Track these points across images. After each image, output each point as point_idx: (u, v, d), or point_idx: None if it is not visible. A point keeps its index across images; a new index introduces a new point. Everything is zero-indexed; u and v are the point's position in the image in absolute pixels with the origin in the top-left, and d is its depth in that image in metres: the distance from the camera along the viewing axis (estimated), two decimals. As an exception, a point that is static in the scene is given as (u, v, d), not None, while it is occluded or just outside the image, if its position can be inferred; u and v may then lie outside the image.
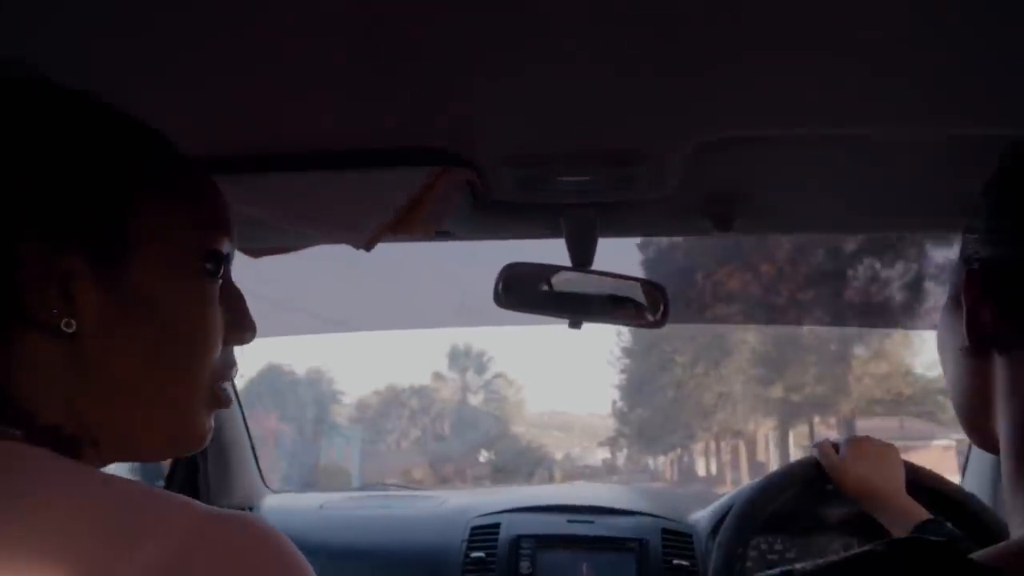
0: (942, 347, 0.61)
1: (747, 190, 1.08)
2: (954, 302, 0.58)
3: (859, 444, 1.21)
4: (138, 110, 0.59)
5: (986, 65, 0.75)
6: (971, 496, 1.23)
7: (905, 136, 0.90)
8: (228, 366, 0.62)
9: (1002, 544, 0.50)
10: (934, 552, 0.47)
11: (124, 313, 0.54)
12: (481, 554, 1.49)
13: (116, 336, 0.54)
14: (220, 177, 0.64)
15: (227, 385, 0.63)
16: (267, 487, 1.89)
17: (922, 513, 1.12)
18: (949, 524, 1.12)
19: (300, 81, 0.77)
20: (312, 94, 0.80)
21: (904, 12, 0.66)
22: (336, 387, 17.64)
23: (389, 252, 1.06)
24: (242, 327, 0.63)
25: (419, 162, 0.93)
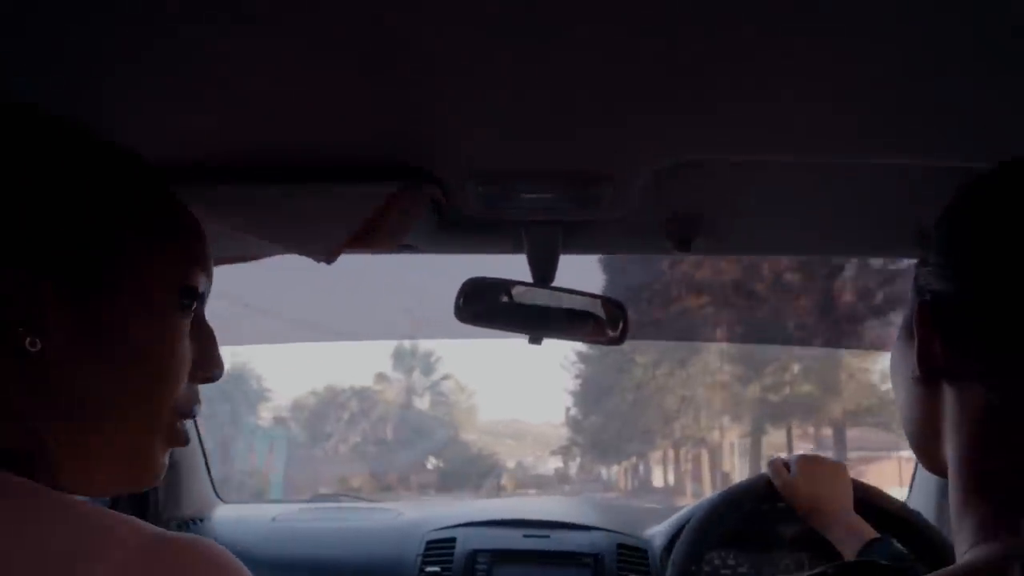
0: (894, 373, 0.63)
1: (707, 212, 1.09)
2: (907, 332, 0.59)
3: (810, 463, 1.24)
4: (101, 118, 0.58)
5: (944, 97, 0.77)
6: (916, 514, 1.26)
7: (863, 164, 0.92)
8: (191, 403, 0.61)
9: (948, 568, 0.51)
10: (879, 573, 0.48)
11: (93, 340, 0.53)
12: (436, 568, 1.48)
13: (82, 362, 0.53)
14: (181, 187, 0.63)
15: (188, 423, 0.62)
16: (219, 498, 1.85)
17: (870, 531, 1.15)
18: (896, 542, 1.15)
19: (264, 94, 0.77)
20: (276, 108, 0.79)
21: (866, 43, 0.68)
22: (264, 385, 16.33)
23: (346, 262, 1.05)
24: (210, 364, 0.63)
25: (383, 177, 0.93)
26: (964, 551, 0.52)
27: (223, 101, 0.77)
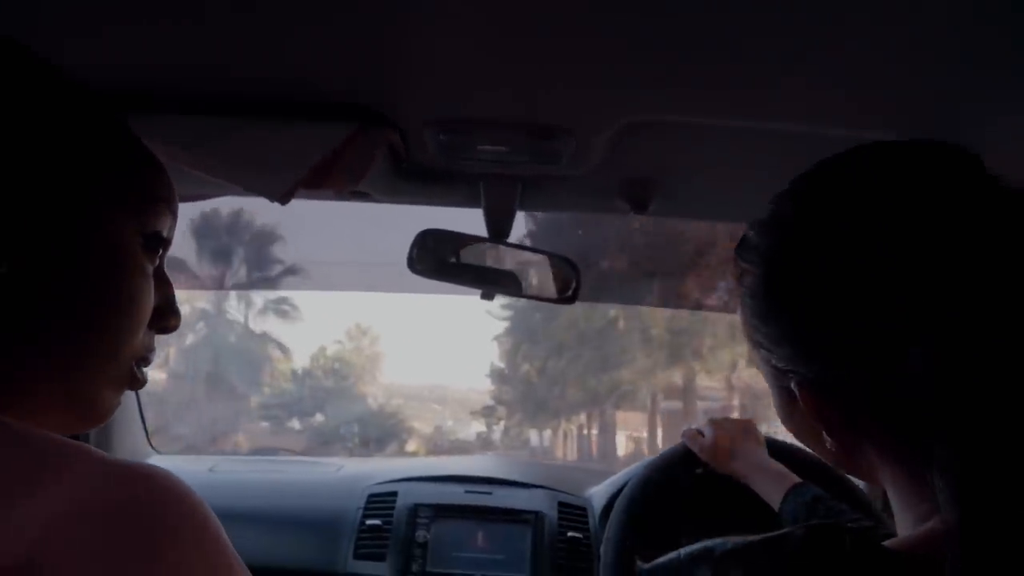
0: (802, 436, 0.61)
1: (665, 174, 1.09)
2: (784, 399, 0.58)
3: (721, 424, 1.28)
4: (57, 40, 0.55)
5: (895, 72, 0.79)
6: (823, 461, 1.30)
7: (817, 134, 0.93)
8: (149, 349, 0.61)
9: (905, 536, 0.53)
10: (848, 538, 0.49)
11: (60, 273, 0.51)
12: (377, 522, 1.48)
13: (47, 294, 0.51)
14: (134, 115, 0.61)
15: (145, 368, 0.61)
16: (153, 448, 1.81)
17: (791, 477, 1.19)
18: (812, 486, 1.19)
19: (222, 21, 0.73)
20: (234, 36, 0.76)
21: (823, 15, 0.69)
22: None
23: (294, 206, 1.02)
24: (169, 313, 0.62)
25: (340, 117, 0.90)
26: (912, 524, 0.53)
27: (181, 25, 0.73)
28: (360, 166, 0.96)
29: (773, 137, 0.93)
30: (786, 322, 0.54)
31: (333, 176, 0.92)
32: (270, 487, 1.64)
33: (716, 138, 0.96)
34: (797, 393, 0.54)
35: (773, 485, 1.19)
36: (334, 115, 0.89)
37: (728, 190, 1.15)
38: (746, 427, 1.29)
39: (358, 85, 0.87)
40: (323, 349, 21.62)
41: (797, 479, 1.19)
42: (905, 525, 0.54)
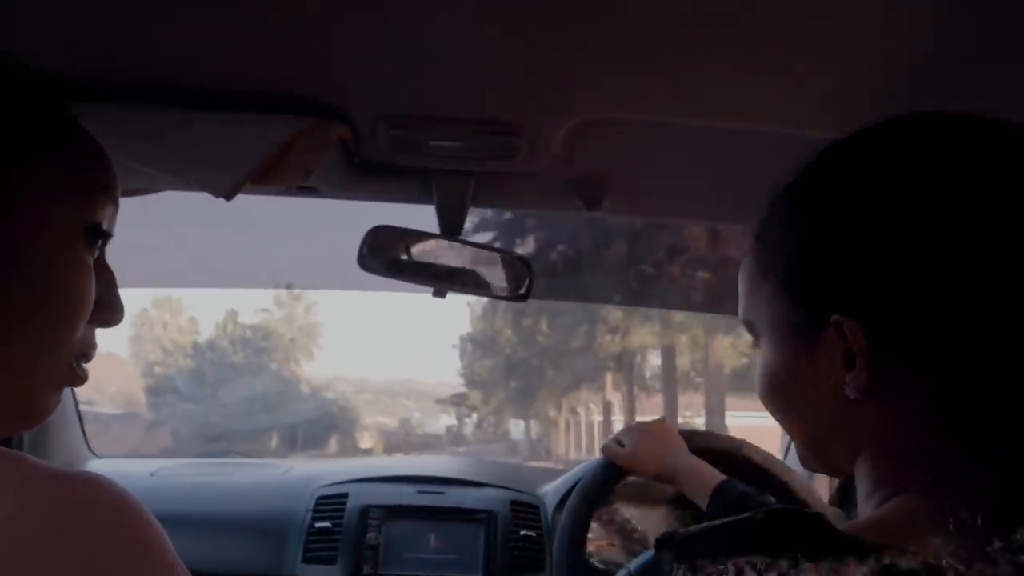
0: (785, 391, 0.59)
1: (620, 172, 1.10)
2: (793, 344, 0.56)
3: (637, 430, 1.29)
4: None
5: (847, 72, 0.80)
6: (743, 444, 1.33)
7: (771, 133, 0.94)
8: (90, 345, 0.58)
9: (862, 519, 0.53)
10: (806, 522, 0.49)
11: None
12: (327, 524, 1.45)
13: None
14: (75, 105, 0.58)
15: (85, 364, 0.59)
16: (92, 451, 1.75)
17: (714, 475, 1.20)
18: (737, 484, 1.20)
19: (168, 9, 0.71)
20: (179, 24, 0.73)
21: (775, 15, 0.69)
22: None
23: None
24: (112, 307, 0.59)
25: (290, 111, 0.88)
26: (872, 506, 0.54)
27: (118, 10, 0.71)
28: (309, 161, 0.94)
29: (727, 136, 0.94)
30: (842, 253, 0.52)
31: (281, 171, 0.90)
32: (214, 490, 1.59)
33: (670, 136, 0.97)
34: (844, 326, 0.51)
35: (697, 486, 1.20)
36: (283, 108, 0.87)
37: (682, 188, 1.16)
38: (662, 428, 1.29)
39: (308, 78, 0.85)
40: (232, 314, 18.73)
41: (720, 477, 1.20)
42: (870, 506, 0.55)
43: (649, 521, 1.49)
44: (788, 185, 0.58)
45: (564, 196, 1.16)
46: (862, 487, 0.56)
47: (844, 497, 1.62)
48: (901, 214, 0.50)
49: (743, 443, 1.33)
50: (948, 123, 0.53)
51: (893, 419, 0.52)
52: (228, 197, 0.87)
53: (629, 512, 1.49)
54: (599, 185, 1.13)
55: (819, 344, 0.54)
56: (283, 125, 0.88)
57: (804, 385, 0.56)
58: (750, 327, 0.62)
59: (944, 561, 0.45)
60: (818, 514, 0.50)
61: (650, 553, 1.23)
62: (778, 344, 0.58)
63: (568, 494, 1.46)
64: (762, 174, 1.08)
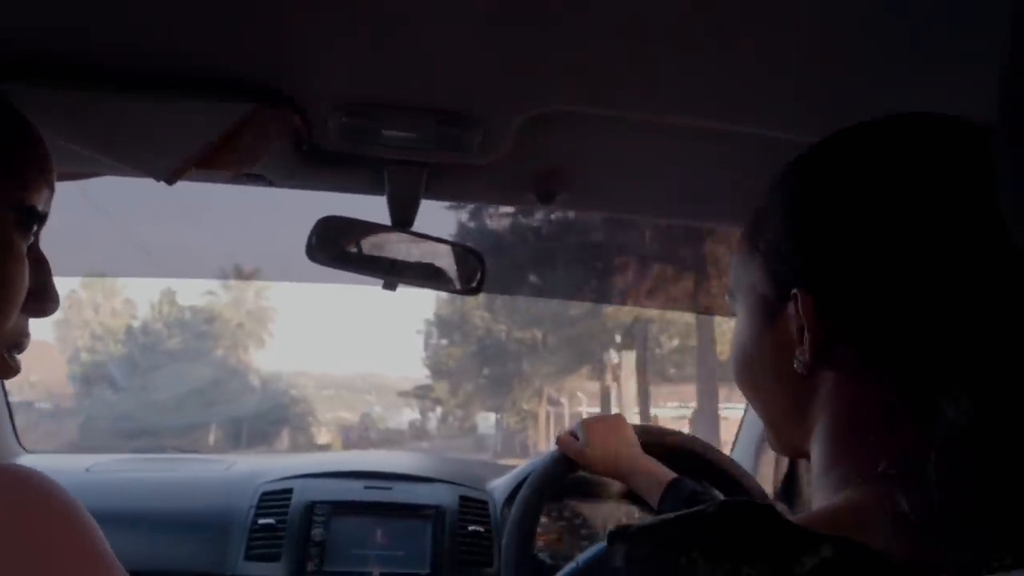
0: (750, 364, 0.62)
1: (575, 166, 1.09)
2: (761, 318, 0.59)
3: (592, 425, 1.28)
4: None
5: (806, 73, 0.81)
6: (693, 440, 1.34)
7: (730, 131, 0.94)
8: (23, 334, 0.56)
9: (814, 510, 0.54)
10: (758, 514, 0.49)
11: None
12: (271, 520, 1.42)
13: None
14: (10, 86, 0.55)
15: (17, 355, 0.56)
16: (22, 447, 1.68)
17: (665, 473, 1.21)
18: (688, 481, 1.22)
19: None
20: (122, 2, 0.70)
21: (734, 10, 0.69)
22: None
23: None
24: (46, 296, 0.57)
25: (238, 95, 0.85)
26: (826, 498, 0.55)
27: None
28: (257, 149, 0.92)
29: (684, 132, 0.94)
30: (810, 232, 0.55)
31: (228, 157, 0.87)
32: (153, 487, 1.55)
33: (628, 132, 0.97)
34: (799, 300, 0.54)
35: (649, 484, 1.21)
36: (230, 93, 0.84)
37: (636, 184, 1.16)
38: (617, 424, 1.29)
39: (258, 63, 0.83)
40: (170, 293, 16.88)
41: (671, 475, 1.21)
42: (823, 492, 0.55)
43: (597, 516, 1.50)
44: (788, 166, 0.61)
45: (518, 189, 1.15)
46: (815, 470, 0.57)
47: (787, 491, 1.65)
48: (867, 204, 0.53)
49: (693, 439, 1.34)
50: (921, 125, 0.55)
51: (839, 397, 0.54)
52: (169, 182, 0.83)
53: (577, 507, 1.49)
54: (553, 179, 1.12)
55: (781, 317, 0.57)
56: (229, 110, 0.85)
57: (768, 359, 0.59)
58: (732, 298, 0.65)
59: (895, 552, 0.46)
60: (769, 506, 0.50)
61: (600, 546, 1.23)
62: (750, 316, 0.61)
63: (517, 489, 1.45)
64: (719, 172, 1.10)
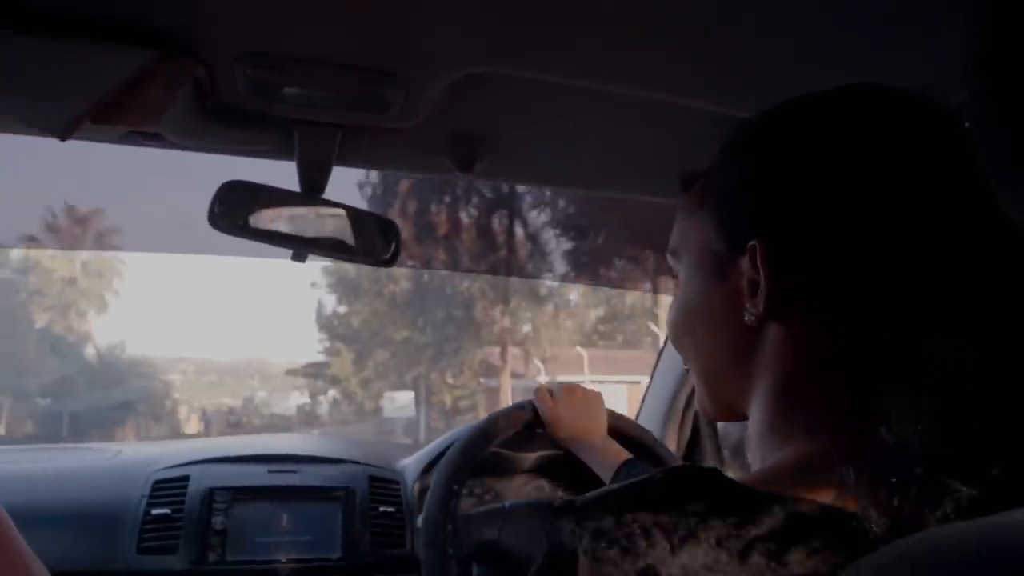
0: (693, 320, 0.62)
1: (497, 132, 1.06)
2: (709, 274, 0.60)
3: (572, 391, 1.29)
4: None
5: (731, 46, 0.80)
6: (657, 441, 1.38)
7: (653, 100, 0.93)
8: None
9: (760, 470, 0.54)
10: (705, 478, 0.49)
11: None
12: (166, 510, 1.33)
13: None
14: None
15: None
16: None
17: (623, 454, 1.22)
18: (643, 463, 1.24)
19: None
20: None
21: None
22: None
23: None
24: None
25: (136, 41, 0.77)
26: (765, 459, 0.55)
27: None
28: (156, 104, 0.83)
29: (615, 101, 0.93)
30: (770, 184, 0.56)
31: (126, 110, 0.79)
32: (32, 479, 1.41)
33: (553, 97, 0.94)
34: (756, 250, 0.54)
35: (605, 460, 1.22)
36: (128, 39, 0.76)
37: (559, 153, 1.13)
38: (594, 400, 1.31)
39: (158, 5, 0.75)
40: None
41: (627, 455, 1.23)
42: (765, 449, 0.56)
43: (509, 491, 1.49)
44: (746, 123, 0.61)
45: (437, 155, 1.10)
46: (755, 429, 0.58)
47: (690, 460, 1.70)
48: (827, 160, 0.54)
49: (657, 440, 1.38)
50: (867, 95, 0.56)
51: (786, 352, 0.55)
52: (62, 137, 0.74)
53: (490, 483, 1.47)
54: (474, 145, 1.09)
55: (732, 271, 0.57)
56: (127, 58, 0.76)
57: (713, 313, 0.60)
58: (675, 256, 0.66)
59: (844, 506, 0.46)
60: (715, 469, 0.50)
61: (529, 500, 1.23)
62: (696, 271, 0.62)
63: (431, 466, 1.42)
64: (646, 143, 1.09)
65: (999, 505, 0.39)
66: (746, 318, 0.56)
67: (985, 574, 0.33)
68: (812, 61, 0.82)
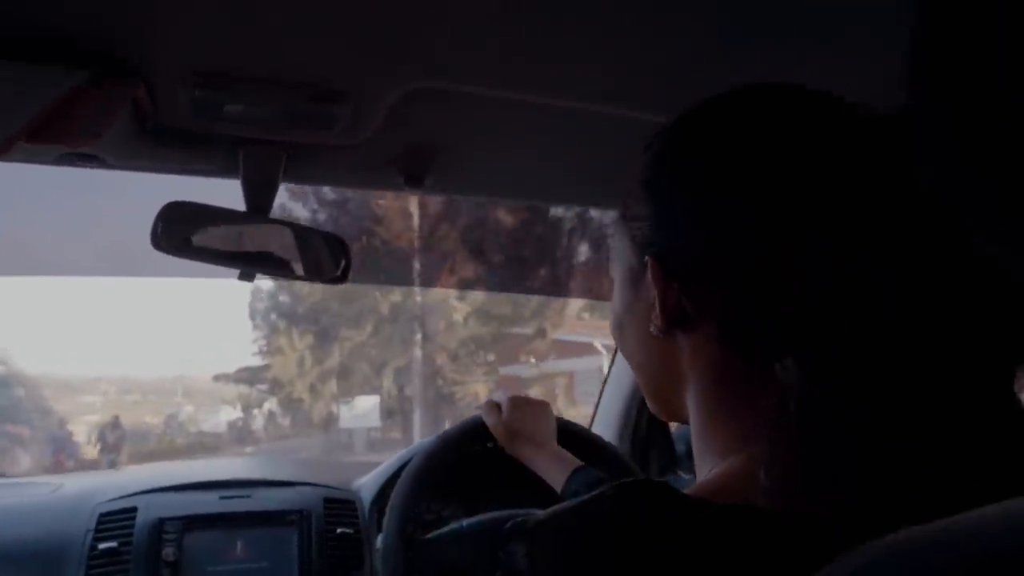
0: (623, 331, 0.63)
1: (445, 147, 1.06)
2: (629, 286, 0.60)
3: (519, 403, 1.28)
4: None
5: (674, 54, 0.82)
6: (608, 444, 1.38)
7: (601, 113, 0.94)
8: None
9: (704, 481, 0.54)
10: (655, 491, 0.48)
11: None
12: (113, 544, 1.28)
13: None
14: None
15: None
16: None
17: (574, 461, 1.22)
18: (594, 469, 1.23)
19: None
20: None
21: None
22: None
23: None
24: None
25: (72, 61, 0.74)
26: (710, 468, 0.55)
27: None
28: (95, 124, 0.80)
29: (556, 113, 0.93)
30: (660, 198, 0.56)
31: (59, 134, 0.76)
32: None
33: (498, 110, 0.94)
34: (649, 265, 0.55)
35: (557, 469, 1.21)
36: (63, 56, 0.73)
37: (508, 166, 1.14)
38: (542, 410, 1.30)
39: (94, 23, 0.73)
40: None
41: (578, 463, 1.22)
42: (707, 459, 0.56)
43: (477, 506, 1.47)
44: (646, 146, 0.60)
45: (385, 172, 1.10)
46: (694, 435, 0.58)
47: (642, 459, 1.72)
48: (711, 169, 0.54)
49: (608, 443, 1.37)
50: (776, 95, 0.56)
51: (698, 361, 0.56)
52: (-7, 159, 0.72)
53: (456, 499, 1.46)
54: (422, 160, 1.08)
55: (643, 283, 0.58)
56: (61, 78, 0.74)
57: (634, 323, 0.61)
58: (611, 266, 0.66)
59: (782, 513, 0.45)
60: (664, 483, 0.50)
61: (486, 516, 1.22)
62: (620, 285, 0.62)
63: (388, 484, 1.40)
64: (589, 154, 1.10)
65: (935, 504, 0.39)
66: (651, 329, 0.57)
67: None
68: (750, 68, 0.84)
